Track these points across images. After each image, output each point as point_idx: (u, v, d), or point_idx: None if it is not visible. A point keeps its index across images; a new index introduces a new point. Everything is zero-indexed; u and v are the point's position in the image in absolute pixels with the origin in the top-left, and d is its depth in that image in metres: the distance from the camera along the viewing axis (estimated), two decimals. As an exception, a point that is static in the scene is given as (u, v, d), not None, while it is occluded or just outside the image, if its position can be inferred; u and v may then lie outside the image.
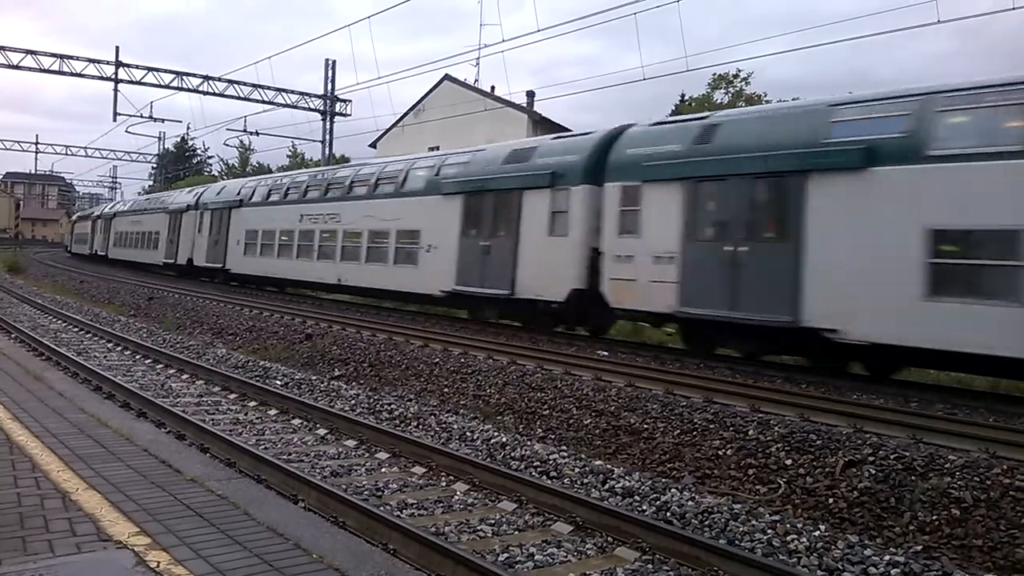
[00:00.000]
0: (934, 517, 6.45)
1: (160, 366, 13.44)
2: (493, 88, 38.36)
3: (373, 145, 41.53)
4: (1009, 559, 5.93)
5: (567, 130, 28.04)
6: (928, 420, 8.68)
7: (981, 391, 11.29)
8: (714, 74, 40.55)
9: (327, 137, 35.87)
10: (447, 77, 38.14)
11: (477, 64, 37.57)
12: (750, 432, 8.16)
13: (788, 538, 6.17)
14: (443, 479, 7.59)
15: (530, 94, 38.15)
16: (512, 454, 8.38)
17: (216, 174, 75.46)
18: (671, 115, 36.77)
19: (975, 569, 5.87)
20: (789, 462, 7.56)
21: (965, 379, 12.01)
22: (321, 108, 35.61)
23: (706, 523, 6.53)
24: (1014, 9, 13.64)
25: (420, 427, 9.58)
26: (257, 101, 34.42)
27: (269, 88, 34.13)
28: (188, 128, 59.70)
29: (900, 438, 7.77)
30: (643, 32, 30.57)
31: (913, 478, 6.88)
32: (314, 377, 12.46)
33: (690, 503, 6.87)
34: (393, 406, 10.44)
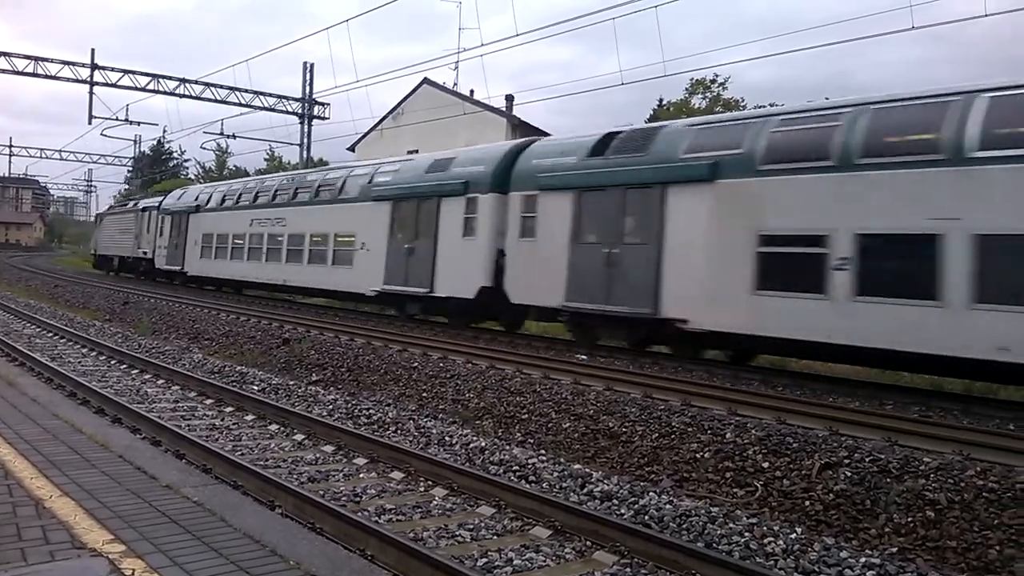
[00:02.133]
0: (909, 519, 6.51)
1: (135, 371, 13.30)
2: (472, 92, 38.40)
3: (351, 148, 41.40)
4: (982, 560, 6.00)
5: (546, 133, 28.12)
6: (903, 422, 8.76)
7: (955, 393, 11.44)
8: (691, 79, 40.83)
9: (305, 140, 35.69)
10: (426, 81, 38.13)
11: (456, 68, 37.48)
12: (727, 435, 8.20)
13: (765, 541, 6.21)
14: (421, 484, 7.57)
15: (509, 98, 38.33)
16: (491, 458, 8.38)
17: (193, 177, 74.91)
18: (649, 120, 37.01)
19: (949, 570, 5.94)
20: (766, 465, 7.61)
21: (938, 381, 12.16)
22: (299, 111, 35.44)
23: (684, 526, 6.56)
24: (986, 16, 13.91)
25: (399, 432, 9.55)
26: (234, 104, 34.28)
27: (246, 91, 33.96)
28: (164, 131, 59.23)
29: (875, 440, 7.84)
30: (621, 37, 30.85)
31: (888, 480, 6.95)
32: (291, 382, 12.38)
33: (668, 506, 6.90)
34: (371, 411, 10.40)
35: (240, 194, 27.63)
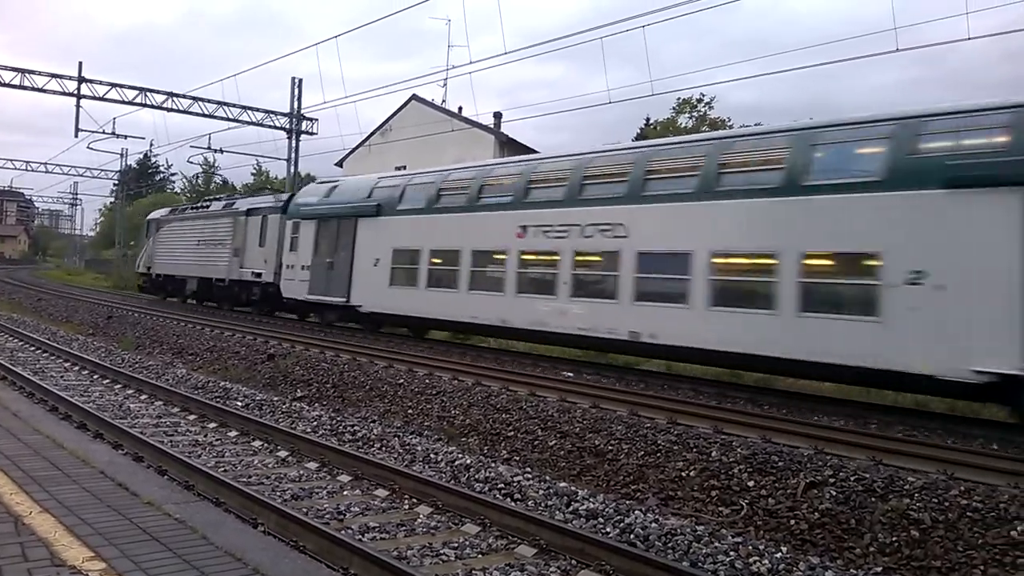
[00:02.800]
0: (894, 538, 6.52)
1: (118, 386, 13.18)
2: (461, 109, 38.50)
3: (339, 164, 41.38)
4: (967, 580, 6.02)
5: (533, 150, 28.20)
6: (888, 441, 8.80)
7: (939, 413, 11.48)
8: (678, 99, 41.13)
9: (292, 155, 35.66)
10: (414, 97, 38.18)
11: (444, 85, 37.54)
12: (713, 453, 8.20)
13: (751, 560, 6.20)
14: (406, 502, 7.52)
15: (497, 115, 38.38)
16: (476, 476, 8.34)
17: (178, 191, 74.64)
18: (636, 138, 37.20)
19: (933, 590, 5.95)
20: (751, 483, 7.61)
21: (923, 400, 12.21)
22: (287, 126, 35.43)
23: (669, 545, 6.54)
24: (969, 39, 14.09)
25: (383, 449, 9.49)
26: (222, 119, 34.15)
27: (234, 106, 33.91)
28: (151, 145, 58.89)
29: (860, 460, 7.86)
30: (609, 56, 31.00)
31: (873, 500, 6.96)
32: (276, 398, 12.31)
33: (653, 525, 6.88)
34: (356, 427, 10.34)
35: (482, 185, 17.44)
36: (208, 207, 30.02)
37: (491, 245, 16.51)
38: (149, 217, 35.61)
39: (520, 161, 18.12)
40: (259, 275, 24.54)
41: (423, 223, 18.30)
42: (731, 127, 37.58)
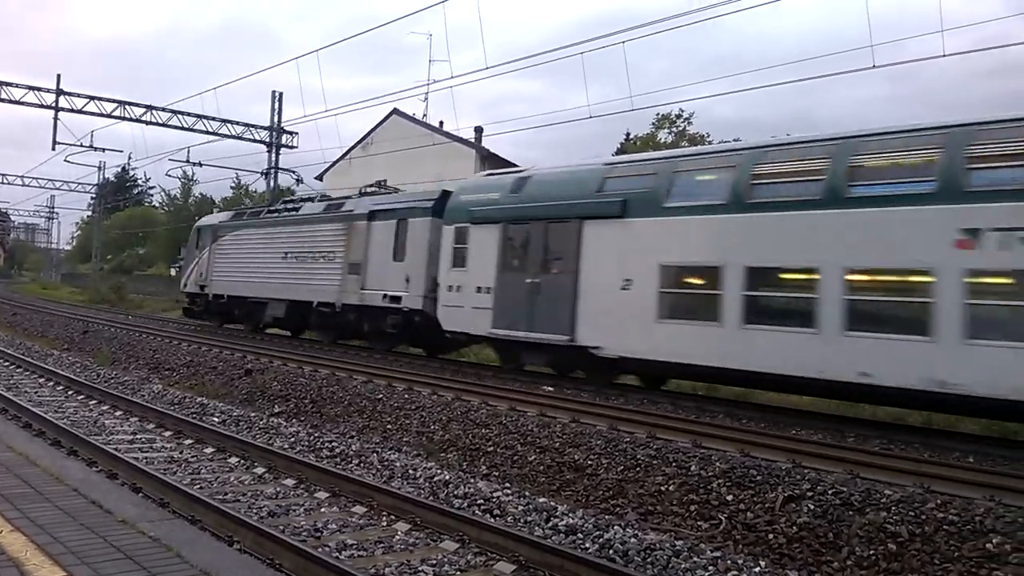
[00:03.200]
0: (871, 552, 6.55)
1: (93, 402, 13.02)
2: (442, 123, 38.59)
3: (319, 178, 41.29)
4: (942, 593, 6.05)
5: (515, 165, 28.25)
6: (865, 455, 8.86)
7: (916, 426, 11.58)
8: (658, 114, 41.42)
9: (272, 169, 35.53)
10: (395, 111, 38.23)
11: (425, 99, 37.61)
12: (692, 468, 8.22)
13: (729, 575, 6.21)
14: (384, 518, 7.47)
15: (478, 130, 38.48)
16: (455, 492, 8.30)
17: (156, 205, 74.09)
18: (616, 152, 37.40)
19: (910, 603, 5.98)
20: (730, 497, 7.63)
21: (900, 414, 12.31)
22: (267, 140, 35.32)
23: (648, 560, 6.54)
24: (944, 56, 14.31)
25: (361, 465, 9.43)
26: (201, 132, 33.97)
27: (214, 119, 33.76)
28: (129, 158, 58.36)
29: (838, 473, 7.89)
30: (589, 71, 31.23)
31: (851, 513, 7.00)
32: (253, 414, 12.21)
33: (633, 540, 6.87)
34: (334, 444, 10.27)
35: (850, 164, 11.44)
36: (298, 210, 22.87)
37: (895, 262, 10.64)
38: (201, 223, 27.80)
39: (934, 127, 11.11)
40: (396, 299, 17.67)
41: (725, 226, 12.20)
42: (709, 142, 37.93)
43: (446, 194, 17.66)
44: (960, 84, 53.74)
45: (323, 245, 20.57)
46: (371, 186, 21.48)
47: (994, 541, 6.31)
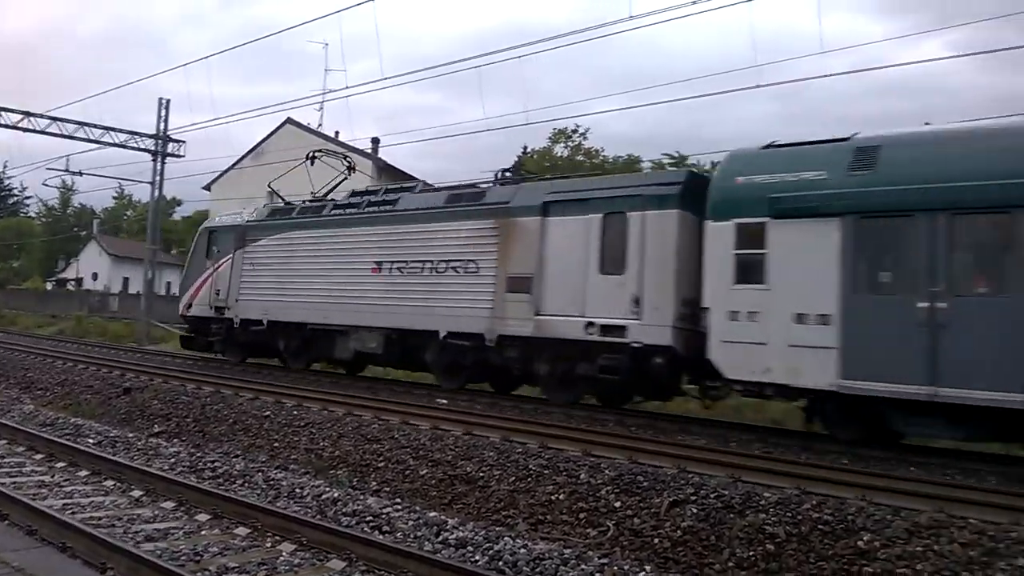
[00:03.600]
0: (751, 553, 6.76)
1: (-47, 426, 12.14)
2: (337, 133, 38.06)
3: (208, 188, 39.98)
4: (817, 590, 6.29)
5: (413, 177, 28.06)
6: (746, 459, 9.16)
7: (795, 430, 12.03)
8: (554, 129, 42.11)
9: (157, 179, 34.16)
10: (289, 120, 37.46)
11: (321, 109, 36.97)
12: (582, 476, 8.30)
13: (615, 581, 6.28)
14: (268, 539, 7.21)
15: (375, 140, 38.17)
16: (344, 510, 8.12)
17: (33, 215, 70.25)
18: (513, 166, 37.68)
19: (787, 601, 6.18)
20: (618, 504, 7.74)
21: (780, 418, 12.78)
22: (152, 148, 33.94)
23: (537, 570, 6.55)
24: (827, 76, 15.12)
25: (246, 485, 9.10)
26: (83, 140, 32.31)
27: (96, 126, 32.18)
28: (4, 166, 55.09)
29: (721, 477, 8.12)
30: (486, 85, 31.50)
31: (732, 516, 7.20)
32: (131, 434, 11.65)
33: (522, 551, 6.88)
34: (217, 464, 9.90)
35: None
36: (393, 203, 16.24)
37: None
38: (215, 224, 21.15)
39: None
40: (613, 330, 12.27)
41: None
42: (604, 157, 38.81)
43: (695, 177, 13.31)
44: (845, 102, 56.65)
45: (453, 251, 14.62)
46: (508, 170, 16.19)
47: (865, 538, 6.60)
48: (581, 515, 7.74)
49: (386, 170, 35.78)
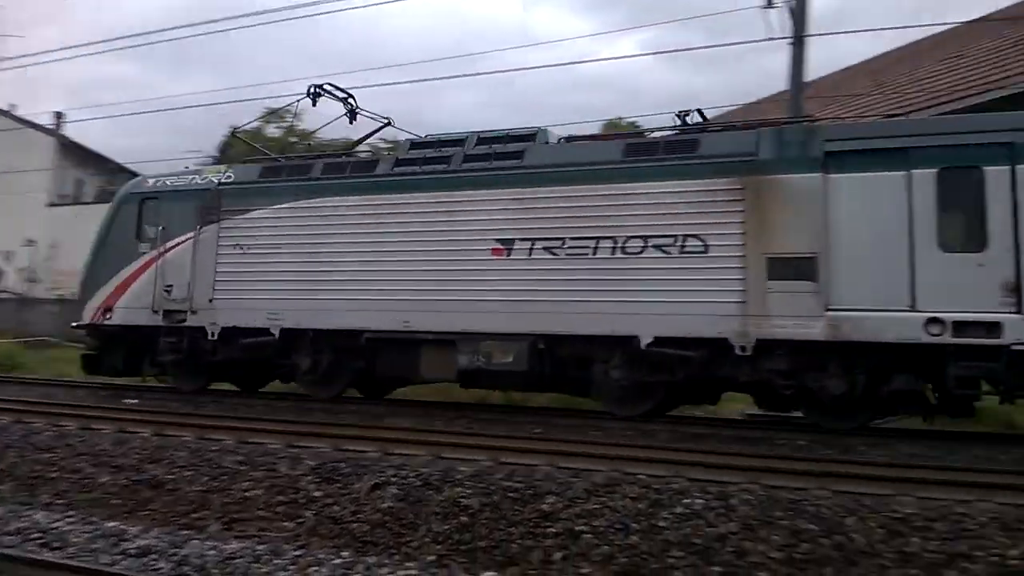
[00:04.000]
0: (446, 526, 6.94)
1: None
2: (13, 107, 33.74)
3: None
4: (506, 555, 6.62)
5: (103, 157, 25.50)
6: (449, 436, 9.41)
7: (497, 404, 12.65)
8: (266, 108, 40.36)
9: None
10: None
11: (-10, 77, 32.43)
12: (281, 469, 8.05)
13: (309, 571, 6.18)
14: (-100, 575, 6.22)
15: (58, 115, 34.28)
16: (5, 529, 7.22)
17: None
18: (221, 145, 35.56)
19: (478, 569, 6.44)
20: (319, 493, 7.59)
21: (483, 395, 13.31)
22: None
23: (228, 570, 6.27)
24: (534, 68, 15.93)
25: None
26: None
27: None
28: None
29: (423, 456, 8.25)
30: (193, 58, 29.35)
31: (430, 492, 7.35)
32: None
33: (212, 552, 6.55)
34: None
35: None
36: (521, 155, 11.57)
37: None
38: (154, 188, 14.22)
39: None
40: (987, 328, 9.14)
41: None
42: (319, 138, 37.91)
43: None
44: (548, 94, 60.11)
45: (655, 223, 10.57)
46: (686, 112, 11.70)
47: (549, 501, 7.04)
48: (279, 508, 7.49)
49: (71, 147, 32.31)
